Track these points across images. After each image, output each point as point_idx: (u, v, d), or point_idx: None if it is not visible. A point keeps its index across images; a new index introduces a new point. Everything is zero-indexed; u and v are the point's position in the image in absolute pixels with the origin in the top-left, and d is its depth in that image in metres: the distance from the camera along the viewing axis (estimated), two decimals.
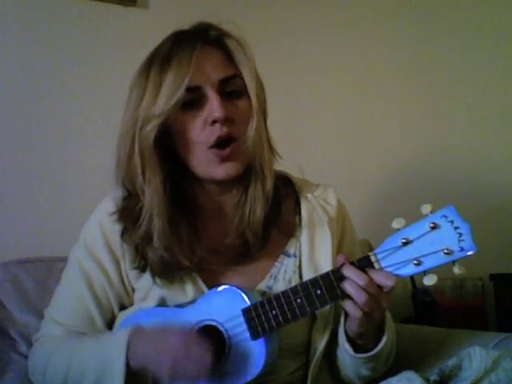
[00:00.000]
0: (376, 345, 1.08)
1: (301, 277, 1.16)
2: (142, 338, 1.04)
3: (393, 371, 1.05)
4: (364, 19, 2.25)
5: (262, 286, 1.15)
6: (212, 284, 1.12)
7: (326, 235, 1.16)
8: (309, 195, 1.21)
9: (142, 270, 1.13)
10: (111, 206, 1.16)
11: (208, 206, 1.16)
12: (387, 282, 0.98)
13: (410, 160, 2.22)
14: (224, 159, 1.09)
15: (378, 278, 0.99)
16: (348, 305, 1.00)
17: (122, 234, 1.13)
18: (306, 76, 2.18)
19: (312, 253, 1.16)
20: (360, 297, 0.98)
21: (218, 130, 1.07)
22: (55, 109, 1.75)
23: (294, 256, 1.17)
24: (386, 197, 2.21)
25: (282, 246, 1.18)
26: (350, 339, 1.09)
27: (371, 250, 1.71)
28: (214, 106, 1.06)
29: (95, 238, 1.17)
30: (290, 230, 1.19)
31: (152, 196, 1.08)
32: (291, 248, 1.18)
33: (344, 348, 1.10)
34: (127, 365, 1.02)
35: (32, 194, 1.70)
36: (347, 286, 0.99)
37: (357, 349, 1.09)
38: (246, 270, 1.15)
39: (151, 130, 1.06)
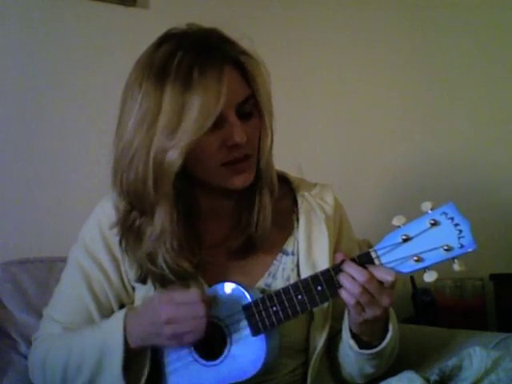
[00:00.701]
0: (380, 341, 1.08)
1: (299, 275, 1.16)
2: (135, 314, 1.07)
3: (393, 371, 1.05)
4: (365, 19, 2.25)
5: (260, 284, 1.15)
6: (213, 283, 1.12)
7: (323, 233, 1.17)
8: (306, 194, 1.21)
9: (143, 282, 1.13)
10: (110, 207, 1.16)
11: (208, 208, 1.17)
12: (387, 277, 0.99)
13: (410, 160, 2.22)
14: (240, 171, 1.09)
15: (378, 273, 0.99)
16: (343, 293, 1.01)
17: (120, 243, 1.14)
18: (307, 76, 2.18)
19: (310, 251, 1.16)
20: (355, 290, 0.99)
21: (235, 153, 1.07)
22: (55, 109, 1.75)
23: (292, 254, 1.18)
24: (387, 197, 2.21)
25: (280, 245, 1.18)
26: (354, 335, 1.09)
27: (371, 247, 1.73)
28: (236, 131, 1.05)
29: (94, 238, 1.17)
30: (288, 229, 1.19)
31: (163, 218, 1.06)
32: (289, 246, 1.18)
33: (348, 344, 1.10)
34: (126, 343, 1.05)
35: (32, 194, 1.70)
36: (343, 280, 1.00)
37: (361, 345, 1.09)
38: (244, 269, 1.16)
39: (176, 159, 1.02)
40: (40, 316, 1.26)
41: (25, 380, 1.22)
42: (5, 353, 1.35)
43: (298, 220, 1.19)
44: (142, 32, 1.78)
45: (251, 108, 1.09)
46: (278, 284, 1.15)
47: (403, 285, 1.96)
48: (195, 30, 1.10)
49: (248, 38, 1.10)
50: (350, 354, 1.12)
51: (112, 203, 1.16)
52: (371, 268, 1.00)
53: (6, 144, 1.68)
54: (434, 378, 0.95)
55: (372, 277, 0.99)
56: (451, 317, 1.97)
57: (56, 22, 1.76)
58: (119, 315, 1.09)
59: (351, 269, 1.00)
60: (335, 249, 1.18)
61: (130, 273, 1.15)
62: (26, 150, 1.71)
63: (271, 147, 1.13)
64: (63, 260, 1.24)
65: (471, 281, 2.03)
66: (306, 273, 1.14)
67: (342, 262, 1.02)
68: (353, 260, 1.01)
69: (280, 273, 1.16)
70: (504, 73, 2.16)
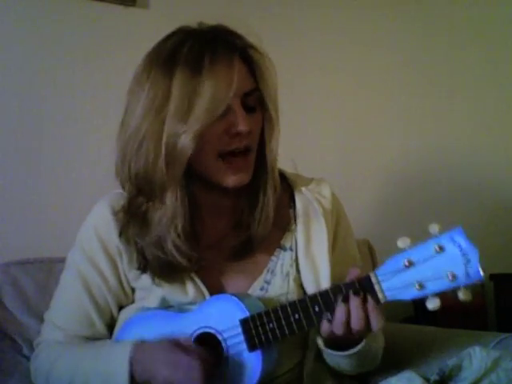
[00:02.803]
0: (354, 345, 1.06)
1: (298, 270, 1.16)
2: (143, 353, 1.05)
3: (393, 371, 1.05)
4: (365, 18, 2.25)
5: (260, 280, 1.15)
6: (211, 282, 1.13)
7: (321, 227, 1.16)
8: (303, 189, 1.21)
9: (143, 270, 1.12)
10: (106, 209, 1.16)
11: (206, 205, 1.16)
12: (376, 325, 0.98)
13: (410, 160, 2.22)
14: (237, 170, 1.09)
15: (372, 316, 0.98)
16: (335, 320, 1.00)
17: (121, 234, 1.13)
18: (307, 75, 2.18)
19: (308, 245, 1.16)
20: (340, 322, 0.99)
21: (237, 142, 1.07)
22: (55, 109, 1.75)
23: (291, 249, 1.18)
24: (387, 197, 2.21)
25: (278, 241, 1.18)
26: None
27: (372, 250, 1.73)
28: (239, 120, 1.06)
29: (91, 241, 1.16)
30: (286, 224, 1.19)
31: (174, 202, 1.06)
32: (287, 242, 1.18)
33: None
34: (132, 378, 1.04)
35: (32, 194, 1.70)
36: (338, 310, 0.99)
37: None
38: (243, 267, 1.16)
39: (189, 144, 1.02)
40: (40, 318, 1.26)
41: (30, 382, 1.21)
42: (9, 354, 1.35)
43: (295, 215, 1.19)
44: (142, 32, 1.80)
45: (255, 102, 1.10)
46: (278, 280, 1.15)
47: None
48: (204, 26, 1.12)
49: (256, 35, 1.11)
50: (322, 348, 1.11)
51: (108, 205, 1.16)
52: (369, 307, 0.97)
53: (6, 144, 1.68)
54: (433, 377, 0.95)
55: (366, 317, 0.98)
56: (451, 317, 1.97)
57: (56, 22, 1.76)
58: (124, 351, 1.07)
59: (353, 305, 0.98)
60: (332, 241, 1.18)
61: (130, 273, 1.15)
62: (26, 150, 1.71)
63: (278, 144, 1.13)
64: (63, 261, 1.24)
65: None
66: (305, 267, 1.14)
67: (343, 284, 1.00)
68: (352, 284, 0.99)
69: (279, 268, 1.16)
70: (504, 73, 2.16)
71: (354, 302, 0.98)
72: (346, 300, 0.99)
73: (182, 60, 1.04)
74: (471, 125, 2.19)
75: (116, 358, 1.07)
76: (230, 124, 1.06)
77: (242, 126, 1.05)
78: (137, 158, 1.07)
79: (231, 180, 1.09)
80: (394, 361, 1.19)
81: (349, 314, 0.98)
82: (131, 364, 1.04)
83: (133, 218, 1.11)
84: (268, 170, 1.14)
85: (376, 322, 0.98)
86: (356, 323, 0.98)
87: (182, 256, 1.08)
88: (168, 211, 1.07)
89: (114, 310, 1.18)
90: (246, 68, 1.08)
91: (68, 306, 1.18)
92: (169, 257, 1.08)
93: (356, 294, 0.98)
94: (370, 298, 0.98)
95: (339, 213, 1.23)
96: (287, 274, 1.16)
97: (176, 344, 1.04)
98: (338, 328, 0.99)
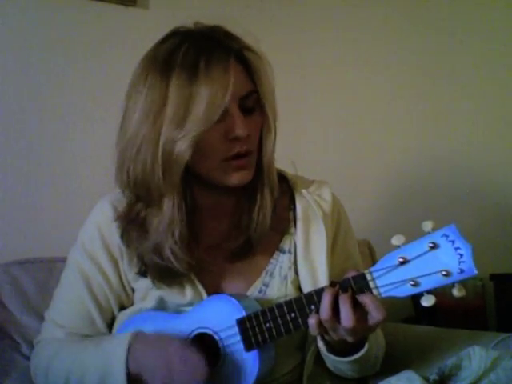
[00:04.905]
0: (356, 350, 1.06)
1: (296, 273, 1.16)
2: (141, 343, 1.05)
3: (392, 371, 1.05)
4: (366, 18, 2.25)
5: (258, 283, 1.15)
6: (209, 284, 1.13)
7: (320, 231, 1.16)
8: (303, 191, 1.21)
9: (143, 274, 1.13)
10: (108, 207, 1.16)
11: (205, 207, 1.16)
12: (378, 316, 0.96)
13: (411, 160, 2.22)
14: (239, 168, 1.09)
15: (372, 308, 0.97)
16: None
17: (122, 236, 1.13)
18: (307, 76, 2.18)
19: (307, 248, 1.16)
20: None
21: (238, 147, 1.07)
22: (55, 109, 1.75)
23: (289, 252, 1.18)
24: (387, 197, 2.21)
25: (277, 243, 1.18)
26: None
27: (372, 250, 1.73)
28: (237, 124, 1.05)
29: (93, 240, 1.17)
30: (285, 227, 1.19)
31: (173, 208, 1.06)
32: (286, 244, 1.18)
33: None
34: (128, 368, 1.03)
35: (32, 194, 1.70)
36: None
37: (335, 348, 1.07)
38: (242, 269, 1.16)
39: (186, 150, 1.02)
40: (40, 317, 1.26)
41: (28, 381, 1.22)
42: (7, 353, 1.35)
43: (295, 218, 1.19)
44: (142, 32, 1.80)
45: (254, 104, 1.09)
46: (276, 282, 1.15)
47: None
48: (200, 27, 1.11)
49: (252, 35, 1.10)
50: (324, 353, 1.11)
51: (110, 203, 1.16)
52: (366, 299, 0.97)
53: (6, 144, 1.68)
54: (433, 377, 0.95)
55: (357, 313, 0.96)
56: (451, 317, 1.97)
57: (56, 22, 1.76)
58: (122, 343, 1.06)
59: (344, 307, 0.97)
60: (332, 244, 1.18)
61: (130, 274, 1.15)
62: (26, 150, 1.71)
63: (274, 145, 1.13)
64: (63, 260, 1.24)
65: (471, 281, 2.02)
66: (303, 271, 1.14)
67: (338, 282, 0.99)
68: (347, 281, 0.99)
69: (277, 271, 1.16)
70: (505, 72, 2.16)
71: (342, 298, 0.97)
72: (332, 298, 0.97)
73: (178, 64, 1.03)
74: (472, 126, 2.19)
75: (114, 345, 1.07)
76: (229, 129, 1.05)
77: (240, 130, 1.05)
78: (135, 165, 1.07)
79: (234, 178, 1.09)
80: (394, 361, 1.19)
81: (334, 309, 0.97)
82: (129, 351, 1.04)
83: (132, 223, 1.12)
84: (264, 173, 1.13)
85: (376, 313, 0.96)
86: (346, 322, 0.96)
87: (179, 262, 1.08)
88: (165, 218, 1.07)
89: (116, 310, 1.17)
90: (242, 70, 1.07)
91: (69, 305, 1.18)
92: (167, 263, 1.08)
93: (344, 290, 0.97)
94: (367, 291, 0.97)
95: (340, 215, 1.22)
96: (285, 277, 1.15)
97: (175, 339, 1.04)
98: (328, 325, 0.98)
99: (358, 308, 0.97)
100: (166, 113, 1.03)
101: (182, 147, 1.02)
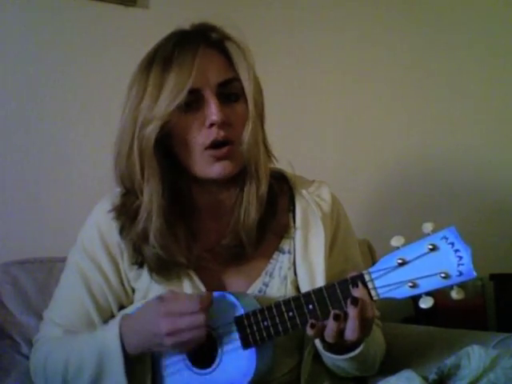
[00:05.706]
0: (351, 350, 1.06)
1: (295, 273, 1.16)
2: (131, 323, 1.07)
3: (392, 371, 1.05)
4: (365, 18, 2.25)
5: (258, 283, 1.15)
6: (209, 282, 1.13)
7: (319, 231, 1.16)
8: (303, 191, 1.21)
9: (140, 265, 1.14)
10: (108, 206, 1.16)
11: (205, 207, 1.17)
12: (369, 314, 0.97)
13: (410, 160, 2.22)
14: (220, 158, 1.10)
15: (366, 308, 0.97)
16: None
17: (121, 231, 1.14)
18: (305, 76, 2.18)
19: (306, 249, 1.16)
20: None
21: (214, 133, 1.08)
22: (55, 109, 1.75)
23: (289, 252, 1.18)
24: (386, 197, 2.21)
25: (277, 243, 1.18)
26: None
27: (372, 250, 1.73)
28: (212, 110, 1.07)
29: (93, 240, 1.17)
30: (285, 227, 1.19)
31: (151, 194, 1.09)
32: (285, 245, 1.18)
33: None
34: (124, 350, 1.05)
35: (32, 194, 1.70)
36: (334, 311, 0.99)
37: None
38: (242, 269, 1.16)
39: (152, 131, 1.07)
40: (40, 317, 1.26)
41: (28, 381, 1.22)
42: (7, 354, 1.35)
43: (294, 218, 1.19)
44: (142, 32, 1.80)
45: (235, 91, 1.11)
46: (275, 283, 1.15)
47: None
48: (192, 26, 1.15)
49: (237, 28, 1.13)
50: (321, 351, 1.11)
51: (110, 203, 1.17)
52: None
53: (6, 144, 1.68)
54: (432, 376, 0.95)
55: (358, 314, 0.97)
56: (451, 316, 1.97)
57: (56, 22, 1.76)
58: (114, 326, 1.09)
59: (352, 322, 0.97)
60: (331, 244, 1.18)
61: (130, 273, 1.16)
62: (26, 150, 1.71)
63: (254, 136, 1.11)
64: (63, 260, 1.24)
65: (471, 281, 2.02)
66: (302, 271, 1.14)
67: (337, 282, 0.99)
68: (345, 281, 0.99)
69: (277, 271, 1.16)
70: (505, 72, 2.16)
71: (352, 312, 0.97)
72: (337, 316, 0.98)
73: (157, 59, 1.10)
74: (472, 125, 2.19)
75: (107, 331, 1.09)
76: (206, 116, 1.08)
77: (214, 116, 1.07)
78: (121, 159, 1.12)
79: (215, 169, 1.10)
80: (394, 360, 1.19)
81: (340, 327, 0.98)
82: (121, 330, 1.06)
83: (126, 215, 1.13)
84: (247, 167, 1.13)
85: (370, 312, 0.97)
86: (350, 334, 0.98)
87: (163, 249, 1.09)
88: (146, 204, 1.09)
89: (115, 310, 1.18)
90: (224, 59, 1.11)
91: (68, 305, 1.18)
92: (157, 250, 1.09)
93: (354, 303, 0.97)
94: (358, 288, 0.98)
95: (339, 215, 1.23)
96: (285, 277, 1.16)
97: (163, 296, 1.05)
98: (330, 338, 0.99)
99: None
100: (143, 103, 1.08)
101: (149, 129, 1.07)
